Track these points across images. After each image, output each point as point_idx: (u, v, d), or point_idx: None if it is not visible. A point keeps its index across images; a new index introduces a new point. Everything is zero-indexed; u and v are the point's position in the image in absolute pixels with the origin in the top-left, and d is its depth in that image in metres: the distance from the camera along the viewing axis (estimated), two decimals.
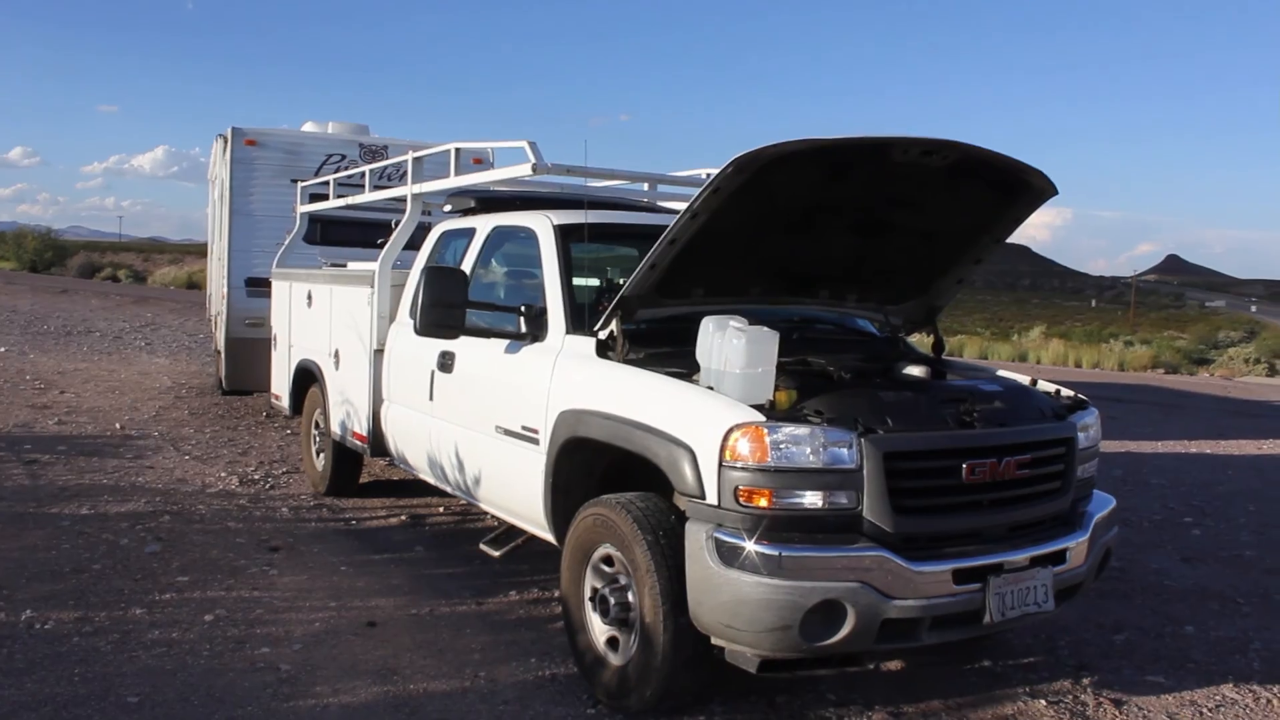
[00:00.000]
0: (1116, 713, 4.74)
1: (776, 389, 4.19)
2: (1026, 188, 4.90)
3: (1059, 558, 4.47)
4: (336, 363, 7.94)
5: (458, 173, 6.66)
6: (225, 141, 11.77)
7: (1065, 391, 5.16)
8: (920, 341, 6.02)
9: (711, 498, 4.01)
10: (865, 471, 3.97)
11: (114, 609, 5.53)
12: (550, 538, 5.23)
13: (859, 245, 5.14)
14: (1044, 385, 5.17)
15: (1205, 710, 4.82)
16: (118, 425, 10.91)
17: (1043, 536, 4.48)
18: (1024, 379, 5.22)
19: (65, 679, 4.63)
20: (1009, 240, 5.36)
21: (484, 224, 6.42)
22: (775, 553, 3.86)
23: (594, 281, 5.64)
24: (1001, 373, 5.40)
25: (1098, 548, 4.73)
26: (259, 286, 10.97)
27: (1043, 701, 4.82)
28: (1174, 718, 4.73)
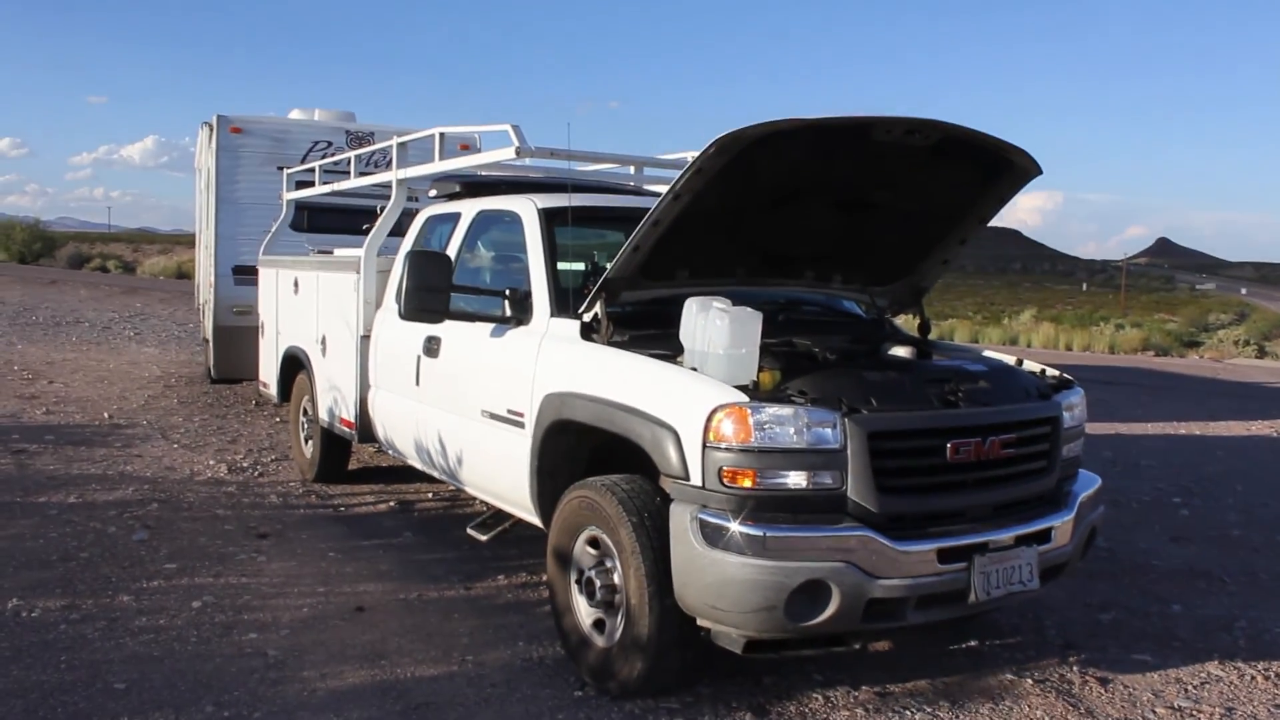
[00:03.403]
0: (1103, 691, 4.76)
1: (760, 369, 4.19)
2: (1010, 167, 4.90)
3: (1044, 537, 4.48)
4: (324, 349, 7.92)
5: (442, 157, 6.63)
6: (211, 129, 11.72)
7: (1050, 371, 5.17)
8: (907, 323, 6.02)
9: (696, 479, 4.01)
10: (849, 451, 3.97)
11: (101, 596, 5.52)
12: (537, 521, 5.23)
13: (844, 226, 5.13)
14: (1029, 365, 5.17)
15: (1190, 688, 4.84)
16: (106, 414, 10.87)
17: (1028, 516, 4.49)
18: (1009, 359, 5.23)
19: (52, 666, 4.63)
20: (999, 224, 5.36)
21: (469, 208, 6.40)
22: (760, 533, 3.86)
23: (579, 265, 5.63)
24: (987, 353, 5.40)
25: (1083, 527, 4.74)
26: (246, 274, 10.94)
27: (1029, 680, 4.84)
28: (1160, 695, 4.74)
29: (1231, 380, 21.43)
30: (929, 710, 4.50)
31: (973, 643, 5.29)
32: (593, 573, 4.55)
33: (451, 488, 6.95)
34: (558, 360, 4.97)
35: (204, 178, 12.60)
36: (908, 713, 4.46)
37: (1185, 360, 28.88)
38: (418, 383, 6.29)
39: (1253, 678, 4.98)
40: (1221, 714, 4.56)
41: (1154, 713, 4.56)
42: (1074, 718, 4.47)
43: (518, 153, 5.71)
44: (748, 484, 3.92)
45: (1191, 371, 23.74)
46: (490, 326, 5.53)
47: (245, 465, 8.84)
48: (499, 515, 5.82)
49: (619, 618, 4.41)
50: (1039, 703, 4.60)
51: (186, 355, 16.68)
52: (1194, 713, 4.57)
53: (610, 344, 4.75)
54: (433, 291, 5.34)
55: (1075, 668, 4.99)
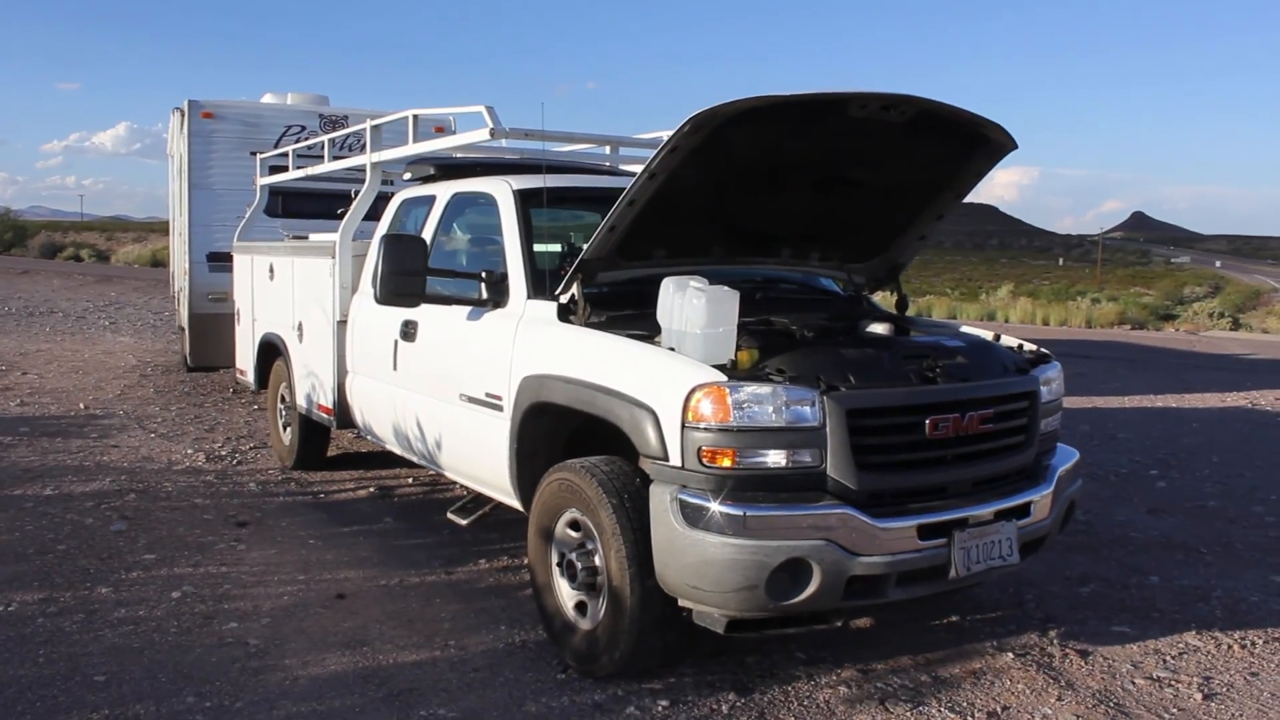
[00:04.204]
0: (1083, 663, 4.79)
1: (738, 348, 4.18)
2: (986, 142, 4.90)
3: (1023, 511, 4.50)
4: (300, 335, 7.87)
5: (416, 140, 6.58)
6: (182, 115, 11.60)
7: (1028, 346, 5.18)
8: (884, 299, 6.02)
9: (675, 459, 4.00)
10: (828, 429, 3.97)
11: (79, 588, 5.48)
12: (517, 504, 5.21)
13: (820, 203, 5.11)
14: (1007, 340, 5.18)
15: (1169, 658, 4.88)
16: (82, 405, 10.79)
17: (1007, 490, 4.50)
18: (987, 334, 5.24)
19: (30, 660, 4.59)
20: (975, 199, 5.37)
21: (444, 191, 6.36)
22: (740, 512, 3.85)
23: (555, 246, 5.60)
24: (964, 329, 5.41)
25: (1062, 500, 4.76)
26: (221, 261, 10.86)
27: (1010, 654, 4.86)
28: (1139, 666, 4.78)
29: (1207, 353, 21.58)
30: (912, 686, 4.52)
31: (954, 618, 5.31)
32: (574, 555, 4.54)
33: (431, 472, 6.93)
34: (535, 342, 4.95)
35: (177, 164, 12.48)
36: (890, 689, 4.48)
37: (1161, 333, 29.08)
38: (395, 367, 6.26)
39: (1229, 647, 5.02)
40: (1199, 683, 4.60)
41: (1133, 683, 4.59)
42: (1055, 690, 4.50)
43: (492, 134, 5.67)
44: (727, 463, 3.91)
45: (1167, 344, 23.89)
46: (467, 310, 5.50)
47: (223, 453, 8.79)
48: (479, 499, 5.80)
49: (601, 600, 4.41)
50: (1020, 676, 4.63)
51: (162, 344, 16.56)
52: (1172, 682, 4.61)
53: (587, 325, 4.73)
54: (409, 275, 5.31)
55: (1055, 641, 5.03)
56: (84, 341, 16.72)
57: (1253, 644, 5.06)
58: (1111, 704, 4.39)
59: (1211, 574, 6.11)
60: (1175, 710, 4.36)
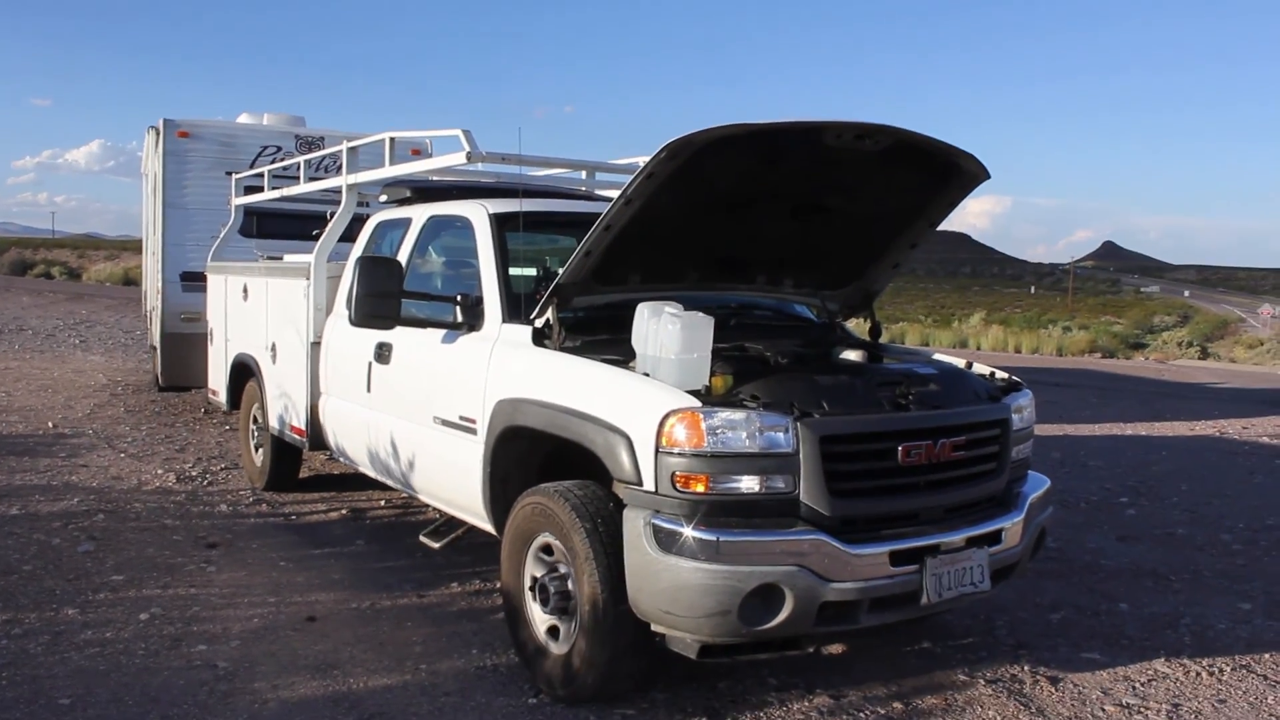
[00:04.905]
0: (1053, 690, 4.81)
1: (712, 374, 4.20)
2: (959, 171, 4.95)
3: (995, 538, 4.52)
4: (273, 356, 7.83)
5: (393, 162, 6.59)
6: (157, 134, 11.57)
7: (1000, 374, 5.22)
8: (858, 326, 6.06)
9: (649, 484, 4.00)
10: (801, 455, 3.99)
11: (45, 610, 5.41)
12: (490, 528, 5.19)
13: (795, 230, 5.15)
14: (979, 368, 5.22)
15: (1138, 684, 4.91)
16: (50, 424, 10.68)
17: (978, 517, 4.52)
18: (959, 362, 5.28)
19: None
20: (948, 227, 5.42)
21: (420, 214, 6.36)
22: (713, 538, 3.86)
23: (531, 270, 5.61)
24: (937, 356, 5.45)
25: (1033, 528, 4.79)
26: (194, 281, 10.81)
27: (982, 681, 4.88)
28: (1108, 693, 4.81)
29: (1176, 381, 21.81)
30: (883, 712, 4.52)
31: (925, 644, 5.32)
32: (547, 579, 4.53)
33: (404, 495, 6.90)
34: (510, 366, 4.95)
35: (151, 183, 12.43)
36: (862, 715, 4.48)
37: (1131, 362, 29.37)
38: (369, 389, 6.24)
39: (1198, 674, 5.06)
40: (1168, 710, 4.63)
41: (1103, 710, 4.62)
42: (1026, 717, 4.52)
43: (469, 157, 5.69)
44: (700, 489, 3.91)
45: (1137, 373, 24.12)
46: (442, 332, 5.49)
47: (194, 474, 8.72)
48: (451, 522, 5.78)
49: (573, 624, 4.40)
50: (991, 703, 4.65)
51: (134, 363, 16.44)
52: (1141, 709, 4.64)
53: (562, 349, 4.74)
54: (384, 297, 5.30)
55: (1026, 667, 5.05)
56: (54, 359, 16.57)
57: (1220, 671, 5.10)
58: None
59: (1180, 601, 6.15)
60: None
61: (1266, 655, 5.33)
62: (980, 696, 4.72)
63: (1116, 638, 5.51)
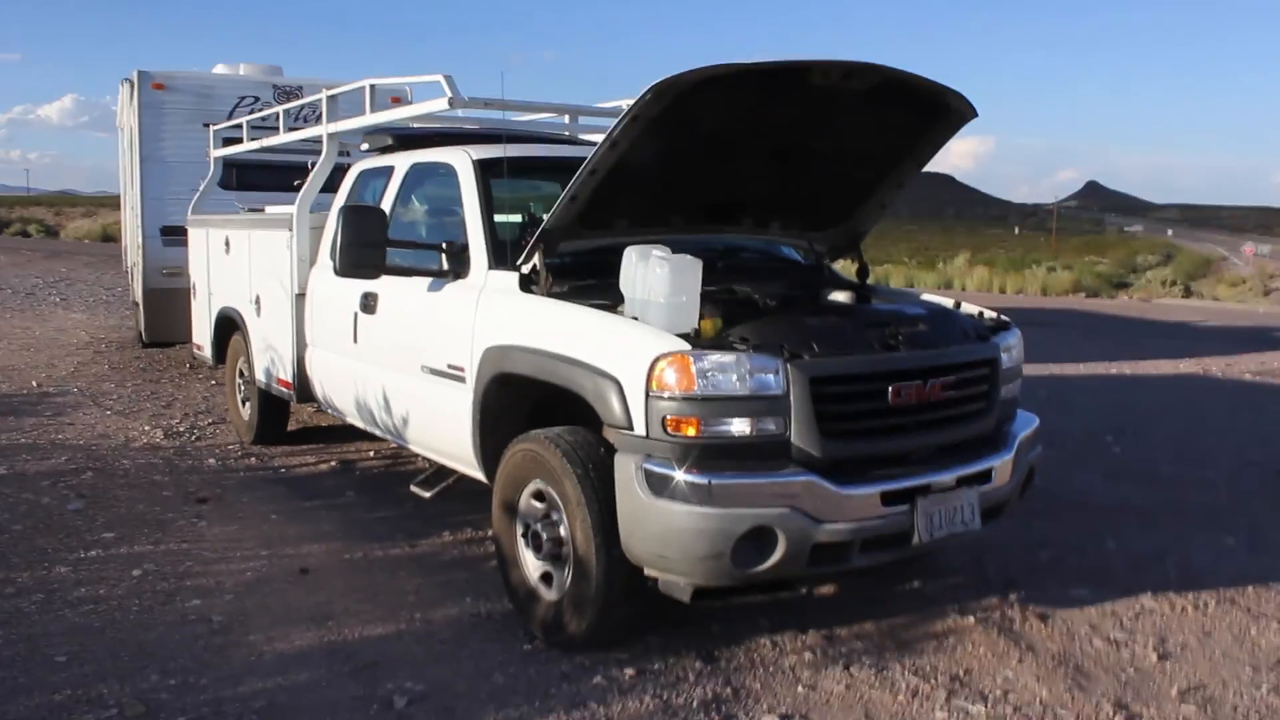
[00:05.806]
0: (1043, 626, 4.86)
1: (701, 317, 4.18)
2: (946, 110, 4.91)
3: (984, 477, 4.54)
4: (258, 309, 7.78)
5: (373, 110, 6.50)
6: (132, 86, 11.39)
7: (988, 313, 5.22)
8: (845, 268, 6.04)
9: (639, 429, 4.00)
10: (792, 397, 3.98)
11: (37, 569, 5.40)
12: (481, 476, 5.19)
13: (782, 172, 5.11)
14: (967, 308, 5.21)
15: (1125, 620, 4.96)
16: (34, 383, 10.61)
17: (968, 457, 4.54)
18: (948, 302, 5.27)
19: None
20: (933, 169, 5.38)
21: (402, 162, 6.29)
22: (704, 481, 3.86)
23: (516, 216, 5.56)
24: (925, 296, 5.44)
25: (1022, 466, 4.81)
26: (175, 235, 10.70)
27: (972, 619, 4.92)
28: (1096, 628, 4.86)
29: (1159, 320, 21.89)
30: (876, 651, 4.56)
31: (916, 584, 5.37)
32: (539, 526, 4.53)
33: (393, 445, 6.89)
34: (497, 313, 4.92)
35: (127, 137, 12.26)
36: (855, 654, 4.52)
37: (1115, 301, 29.45)
38: (356, 340, 6.21)
39: (1183, 609, 5.11)
40: (1155, 644, 4.69)
41: (1092, 645, 4.67)
42: (1016, 653, 4.57)
43: (451, 104, 5.61)
44: (691, 432, 3.91)
45: (1121, 312, 24.21)
46: (428, 281, 5.45)
47: (181, 430, 8.69)
48: (442, 471, 5.77)
49: (566, 570, 4.41)
50: (982, 639, 4.69)
51: (116, 320, 16.32)
52: (1129, 644, 4.69)
53: (550, 295, 4.71)
54: (368, 247, 5.25)
55: (1016, 605, 5.09)
56: (34, 318, 16.44)
57: (1205, 605, 5.15)
58: (1071, 666, 4.47)
59: (1165, 538, 6.21)
60: (1132, 671, 4.44)
61: (1250, 589, 5.39)
62: (971, 634, 4.76)
63: (1104, 574, 5.56)
